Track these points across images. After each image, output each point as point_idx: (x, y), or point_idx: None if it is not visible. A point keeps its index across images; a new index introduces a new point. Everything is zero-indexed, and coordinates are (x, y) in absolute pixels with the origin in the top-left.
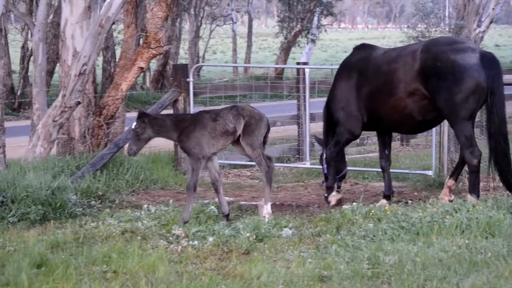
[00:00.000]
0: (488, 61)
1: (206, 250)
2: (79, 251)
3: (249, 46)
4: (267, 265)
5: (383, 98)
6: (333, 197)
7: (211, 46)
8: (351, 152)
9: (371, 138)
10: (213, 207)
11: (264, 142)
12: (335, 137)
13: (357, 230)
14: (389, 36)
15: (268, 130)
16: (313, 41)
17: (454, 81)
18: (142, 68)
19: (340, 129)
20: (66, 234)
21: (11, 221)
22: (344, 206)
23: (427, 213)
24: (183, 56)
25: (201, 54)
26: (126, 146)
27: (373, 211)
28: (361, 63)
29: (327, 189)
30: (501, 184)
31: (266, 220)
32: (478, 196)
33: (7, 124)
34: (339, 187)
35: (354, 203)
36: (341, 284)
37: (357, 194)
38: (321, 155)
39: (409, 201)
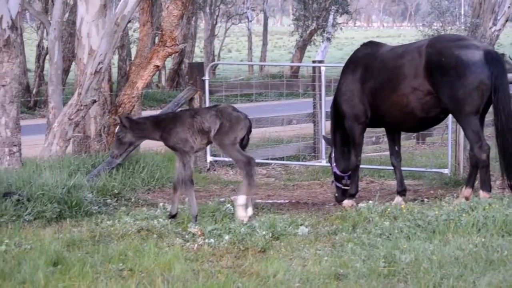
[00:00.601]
0: (492, 58)
1: (222, 248)
2: (95, 249)
3: (265, 44)
4: (283, 263)
5: (386, 94)
6: (349, 203)
7: (227, 45)
8: (367, 150)
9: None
10: (228, 205)
11: (245, 145)
12: (351, 143)
13: (373, 228)
14: (404, 35)
15: (249, 132)
16: (328, 39)
17: (457, 76)
18: (157, 66)
19: (348, 123)
20: (82, 232)
21: (27, 219)
22: (360, 204)
23: (443, 211)
24: (199, 55)
25: (216, 52)
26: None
27: (389, 209)
28: (367, 58)
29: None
30: None
31: (250, 212)
32: (489, 191)
33: (22, 123)
34: (348, 185)
35: (370, 201)
36: (358, 282)
37: (373, 192)
38: (330, 154)
39: (425, 199)
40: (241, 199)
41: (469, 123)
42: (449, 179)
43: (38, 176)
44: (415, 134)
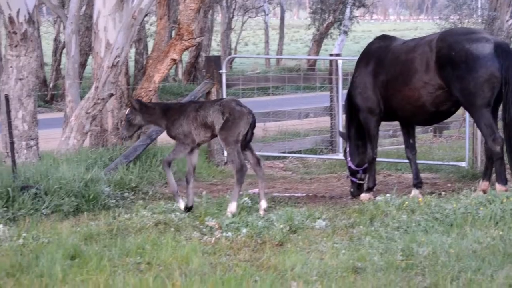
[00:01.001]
0: (503, 51)
1: (239, 242)
2: (112, 243)
3: (281, 37)
4: (301, 257)
5: (397, 88)
6: (366, 197)
7: (243, 38)
8: (384, 143)
9: None
10: (246, 198)
11: (248, 140)
12: (367, 136)
13: (390, 222)
14: (421, 28)
15: (252, 127)
16: (345, 32)
17: (467, 70)
18: (174, 60)
19: (362, 115)
20: (100, 226)
21: (44, 213)
22: (378, 198)
23: (460, 204)
24: (215, 48)
25: (233, 46)
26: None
27: (406, 203)
28: (380, 52)
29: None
30: None
31: (230, 216)
32: (505, 184)
33: (39, 116)
34: (362, 179)
35: (388, 195)
36: (375, 276)
37: (391, 186)
38: (345, 149)
39: (443, 193)
40: (233, 206)
41: (481, 116)
42: (467, 172)
43: (55, 170)
44: (432, 127)
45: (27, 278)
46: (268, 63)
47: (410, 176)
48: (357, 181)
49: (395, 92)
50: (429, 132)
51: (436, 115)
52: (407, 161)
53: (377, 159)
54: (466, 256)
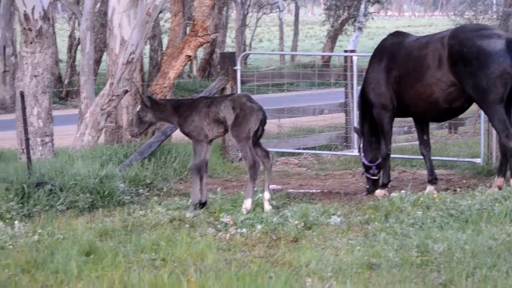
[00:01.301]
0: None
1: (254, 238)
2: (127, 239)
3: (296, 34)
4: (316, 253)
5: (410, 84)
6: (381, 193)
7: (258, 34)
8: (399, 139)
9: None
10: (261, 195)
11: (259, 137)
12: (380, 132)
13: (405, 218)
14: (436, 24)
15: (263, 124)
16: (360, 29)
17: (479, 66)
18: (189, 56)
19: (376, 111)
20: (115, 222)
21: (59, 209)
22: (393, 194)
23: (476, 200)
24: (230, 45)
25: (247, 42)
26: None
27: (421, 199)
28: (393, 47)
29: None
30: None
31: (244, 213)
32: None
33: (54, 113)
34: (375, 174)
35: (403, 191)
36: (390, 272)
37: (405, 182)
38: (359, 145)
39: (458, 189)
40: (247, 203)
41: (494, 112)
42: (482, 168)
43: (70, 166)
44: (447, 124)
45: (42, 274)
46: (282, 59)
47: (425, 172)
48: (371, 177)
49: (408, 88)
50: (444, 128)
51: (449, 112)
52: (421, 157)
53: (392, 155)
54: (482, 252)
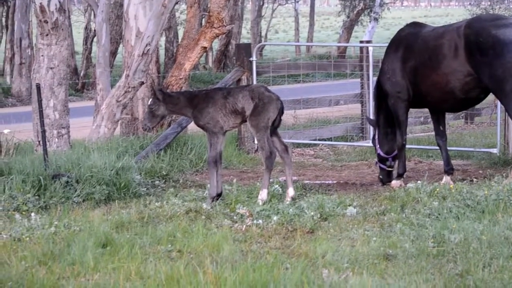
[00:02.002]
0: None
1: (270, 229)
2: (143, 231)
3: (311, 25)
4: (332, 244)
5: (426, 74)
6: (397, 184)
7: (273, 26)
8: (415, 130)
9: None
10: (277, 186)
11: (276, 126)
12: (396, 122)
13: (421, 209)
14: (452, 14)
15: (281, 114)
16: (375, 19)
17: (495, 56)
18: (205, 47)
19: (391, 101)
20: (131, 214)
21: (76, 201)
22: (409, 185)
23: (492, 191)
24: (245, 36)
25: (263, 33)
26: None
27: (437, 189)
28: (410, 38)
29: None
30: None
31: (260, 204)
32: None
33: (70, 105)
34: (392, 166)
35: (419, 182)
36: (406, 263)
37: (422, 173)
38: (373, 136)
39: (474, 179)
40: (263, 193)
41: (510, 102)
42: (498, 158)
43: (86, 158)
44: (463, 114)
45: (59, 266)
46: (298, 50)
47: (441, 162)
48: (387, 168)
49: (424, 78)
50: (461, 118)
51: (465, 102)
52: (437, 148)
53: (408, 146)
54: (498, 242)
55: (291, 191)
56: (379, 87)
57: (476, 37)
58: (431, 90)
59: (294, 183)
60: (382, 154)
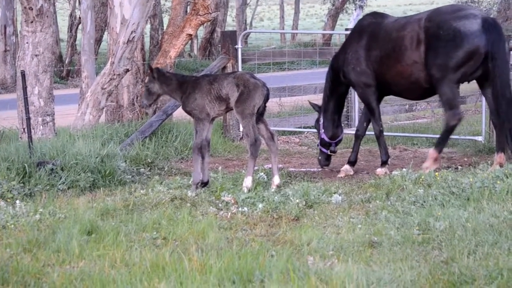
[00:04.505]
0: (489, 26)
1: (255, 217)
2: (129, 218)
3: (297, 12)
4: (317, 231)
5: (391, 64)
6: (382, 171)
7: (258, 13)
8: (400, 118)
9: (420, 104)
10: (262, 173)
11: (261, 113)
12: (368, 110)
13: (407, 196)
14: (437, 2)
15: (266, 100)
16: (361, 7)
17: (455, 47)
18: (190, 35)
19: (359, 91)
20: (116, 201)
21: (61, 189)
22: (394, 172)
23: (477, 178)
24: (231, 24)
25: (248, 21)
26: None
27: (422, 177)
28: (373, 27)
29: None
30: None
31: (245, 191)
32: (439, 152)
33: (55, 92)
34: (334, 151)
35: (404, 169)
36: (392, 250)
37: (407, 160)
38: (317, 119)
39: (459, 167)
40: (248, 181)
41: (447, 90)
42: (483, 146)
43: (71, 146)
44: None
45: (44, 253)
46: (283, 38)
47: (426, 150)
48: (328, 153)
49: (389, 68)
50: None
51: (430, 91)
52: (423, 135)
53: (393, 134)
54: (483, 230)
55: (276, 179)
56: (332, 74)
57: (437, 30)
58: (396, 80)
59: (279, 171)
60: (326, 138)
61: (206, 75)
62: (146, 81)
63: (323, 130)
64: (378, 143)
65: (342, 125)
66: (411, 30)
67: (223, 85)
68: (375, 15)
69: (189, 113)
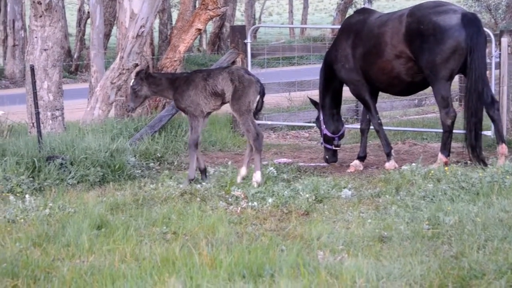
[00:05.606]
0: (468, 20)
1: (265, 211)
2: (138, 213)
3: (305, 7)
4: (327, 226)
5: (373, 59)
6: (391, 165)
7: (267, 8)
8: (410, 113)
9: (429, 99)
10: (271, 168)
11: (259, 109)
12: (364, 106)
13: (416, 191)
14: None
15: (262, 96)
16: (369, 2)
17: (436, 42)
18: (199, 29)
19: (351, 87)
20: (126, 196)
21: (70, 183)
22: (403, 167)
23: (486, 173)
24: (239, 18)
25: (257, 16)
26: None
27: (432, 172)
28: (358, 24)
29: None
30: None
31: (255, 186)
32: (446, 156)
33: (64, 87)
34: (338, 145)
35: (413, 164)
36: (401, 245)
37: (416, 155)
38: (317, 117)
39: (469, 162)
40: (257, 175)
41: (441, 88)
42: (492, 141)
43: (81, 140)
44: (457, 96)
45: (54, 247)
46: (292, 33)
47: (436, 145)
48: (333, 148)
49: (372, 65)
50: (455, 101)
51: (412, 86)
52: (432, 130)
53: (403, 128)
54: (493, 224)
55: (243, 171)
56: (326, 70)
57: (418, 25)
58: (379, 76)
59: (289, 165)
60: (329, 134)
61: (199, 70)
62: (132, 84)
63: (324, 126)
64: (378, 136)
65: (351, 119)
66: (392, 26)
67: (218, 80)
68: (363, 11)
69: (183, 110)
